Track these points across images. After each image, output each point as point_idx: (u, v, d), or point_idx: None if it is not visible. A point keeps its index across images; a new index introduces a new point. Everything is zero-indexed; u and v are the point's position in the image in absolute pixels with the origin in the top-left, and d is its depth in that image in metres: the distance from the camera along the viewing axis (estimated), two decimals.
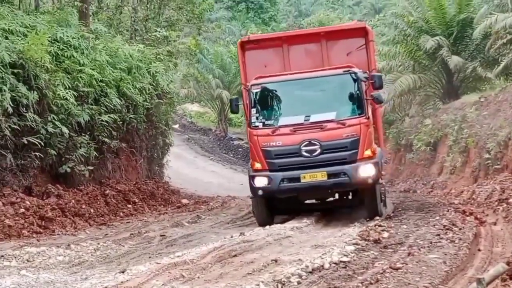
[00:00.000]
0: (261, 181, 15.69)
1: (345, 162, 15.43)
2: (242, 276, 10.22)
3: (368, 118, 15.70)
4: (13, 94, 15.96)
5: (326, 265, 10.70)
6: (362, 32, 17.55)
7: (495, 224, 15.64)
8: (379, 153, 16.52)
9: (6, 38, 16.92)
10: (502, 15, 26.24)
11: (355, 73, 15.54)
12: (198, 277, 10.25)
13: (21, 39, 17.24)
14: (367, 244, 12.86)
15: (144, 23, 30.33)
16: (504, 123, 22.35)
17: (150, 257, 12.64)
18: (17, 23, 18.02)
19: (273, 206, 16.78)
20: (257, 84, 16.10)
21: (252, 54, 18.08)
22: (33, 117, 16.60)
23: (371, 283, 9.51)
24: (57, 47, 18.31)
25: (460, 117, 26.24)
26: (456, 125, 26.12)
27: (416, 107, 32.15)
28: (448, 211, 17.79)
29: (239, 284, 9.69)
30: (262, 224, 16.02)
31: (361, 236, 13.70)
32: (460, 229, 14.42)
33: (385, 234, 14.00)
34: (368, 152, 15.57)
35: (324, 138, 15.35)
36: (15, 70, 16.43)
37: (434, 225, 15.25)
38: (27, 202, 15.95)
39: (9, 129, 15.77)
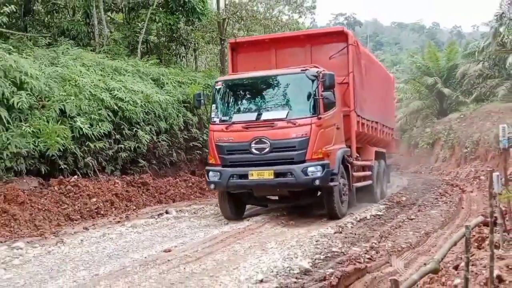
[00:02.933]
0: (213, 176, 11.78)
1: (293, 162, 11.16)
2: (319, 225, 11.25)
3: (320, 118, 11.32)
4: (184, 118, 18.71)
5: (368, 217, 12.15)
6: (343, 37, 13.17)
7: (471, 192, 16.96)
8: (338, 154, 11.93)
9: (180, 86, 19.37)
10: (473, 64, 30.06)
11: (305, 73, 11.43)
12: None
13: (188, 86, 19.44)
14: (392, 204, 14.47)
15: None
16: (476, 130, 25.65)
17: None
18: (185, 77, 20.42)
19: (238, 199, 12.71)
20: (219, 81, 12.42)
21: (243, 57, 14.31)
22: (195, 131, 19.29)
23: (396, 227, 10.77)
24: (209, 91, 20.32)
25: (448, 127, 29.67)
26: (446, 132, 29.45)
27: (420, 121, 34.83)
28: (442, 184, 19.83)
29: (317, 228, 10.72)
30: (227, 217, 12.44)
31: (389, 199, 15.48)
32: (450, 195, 16.24)
33: (404, 198, 15.64)
34: (317, 154, 11.18)
35: (274, 136, 11.23)
36: (185, 104, 18.90)
37: (433, 193, 17.03)
38: (192, 180, 18.04)
39: (183, 138, 18.58)
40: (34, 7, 20.78)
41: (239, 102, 12.36)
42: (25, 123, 12.64)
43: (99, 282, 7.18)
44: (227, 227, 11.33)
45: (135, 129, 16.01)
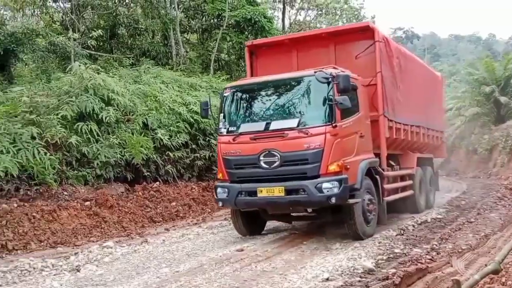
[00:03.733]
0: (221, 193, 9.74)
1: (306, 177, 9.00)
2: (381, 228, 10.68)
3: (336, 126, 9.04)
4: None
5: (429, 220, 11.74)
6: (369, 33, 10.86)
7: None
8: (362, 166, 9.63)
9: None
10: None
11: (315, 75, 9.23)
12: None
13: None
14: (452, 208, 13.93)
15: None
16: None
17: None
18: None
19: (254, 215, 10.64)
20: (227, 88, 10.31)
21: (262, 61, 12.09)
22: None
23: (456, 230, 10.40)
24: None
25: (505, 133, 28.06)
26: (504, 138, 27.89)
27: (478, 128, 33.47)
28: (500, 188, 18.83)
29: (387, 228, 10.54)
30: (241, 233, 10.71)
31: (449, 203, 14.93)
32: (508, 199, 15.35)
33: (463, 202, 15.06)
34: (333, 167, 8.95)
35: (284, 148, 9.11)
36: None
37: (492, 197, 16.13)
38: None
39: None
40: (119, 31, 21.55)
41: (247, 111, 10.13)
42: (112, 135, 13.15)
43: (180, 278, 7.34)
44: (295, 229, 11.31)
45: (208, 139, 16.27)
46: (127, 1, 22.12)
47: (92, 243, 10.23)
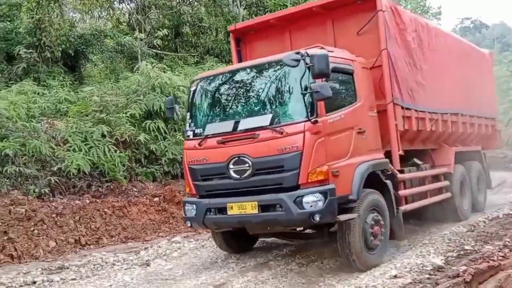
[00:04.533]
0: (189, 210, 7.72)
1: (282, 189, 6.88)
2: (451, 224, 10.40)
3: (317, 122, 6.85)
4: None
5: (500, 216, 11.22)
6: (370, 3, 8.55)
7: None
8: (359, 171, 7.34)
9: None
10: None
11: (282, 58, 6.99)
12: None
13: None
14: None
15: None
16: None
17: None
18: None
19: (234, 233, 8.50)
20: (194, 81, 8.28)
21: (251, 48, 10.03)
22: None
23: None
24: None
25: None
26: None
27: None
28: None
29: (449, 227, 9.96)
30: (223, 249, 8.93)
31: None
32: None
33: None
34: (316, 175, 6.79)
35: (256, 153, 7.04)
36: None
37: None
38: None
39: None
40: (183, 30, 21.94)
41: (214, 108, 8.00)
42: (178, 133, 13.46)
43: (247, 273, 7.48)
44: None
45: None
46: (190, 0, 22.49)
47: (161, 238, 10.54)
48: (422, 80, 9.61)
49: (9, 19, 17.59)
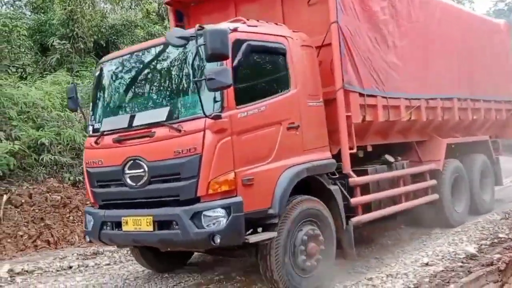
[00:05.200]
0: (88, 221, 6.24)
1: (179, 201, 5.35)
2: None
3: (219, 117, 5.21)
4: None
5: None
6: None
7: None
8: (284, 178, 5.70)
9: None
10: None
11: (166, 37, 5.33)
12: None
13: None
14: None
15: None
16: None
17: None
18: None
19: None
20: (98, 64, 6.86)
21: (195, 23, 6.03)
22: None
23: None
24: None
25: None
26: None
27: None
28: None
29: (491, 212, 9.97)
30: (147, 267, 7.34)
31: None
32: None
33: None
34: (218, 185, 5.21)
35: (151, 155, 5.54)
36: None
37: None
38: None
39: None
40: None
41: (111, 98, 6.54)
42: None
43: None
44: None
45: None
46: None
47: None
48: (396, 60, 7.87)
49: (42, 11, 18.00)
